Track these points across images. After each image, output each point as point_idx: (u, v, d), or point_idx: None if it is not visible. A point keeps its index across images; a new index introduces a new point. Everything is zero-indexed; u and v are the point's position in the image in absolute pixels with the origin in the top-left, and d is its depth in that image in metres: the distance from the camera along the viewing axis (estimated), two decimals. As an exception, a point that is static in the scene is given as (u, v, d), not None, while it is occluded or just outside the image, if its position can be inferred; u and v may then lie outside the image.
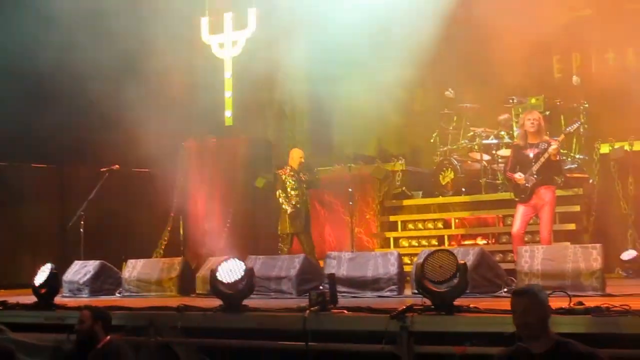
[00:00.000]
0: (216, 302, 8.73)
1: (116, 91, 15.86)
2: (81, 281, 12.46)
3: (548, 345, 5.50)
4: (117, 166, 14.05)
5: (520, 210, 11.22)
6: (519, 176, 11.14)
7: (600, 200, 13.80)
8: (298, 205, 13.59)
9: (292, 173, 13.75)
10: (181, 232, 17.18)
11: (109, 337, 7.73)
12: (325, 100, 17.34)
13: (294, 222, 13.56)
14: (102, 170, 14.07)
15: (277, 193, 13.73)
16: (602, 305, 6.65)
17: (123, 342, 7.88)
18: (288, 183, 13.65)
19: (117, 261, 13.54)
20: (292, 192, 13.61)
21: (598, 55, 16.04)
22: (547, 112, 13.80)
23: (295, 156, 13.91)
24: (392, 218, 15.09)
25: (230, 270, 8.59)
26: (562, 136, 11.58)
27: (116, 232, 16.69)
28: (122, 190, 16.10)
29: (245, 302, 8.63)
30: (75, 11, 14.71)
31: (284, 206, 13.60)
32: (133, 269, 12.49)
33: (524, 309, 5.56)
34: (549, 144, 11.05)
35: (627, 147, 13.95)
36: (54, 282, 10.14)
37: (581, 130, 13.70)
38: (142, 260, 12.77)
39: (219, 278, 8.60)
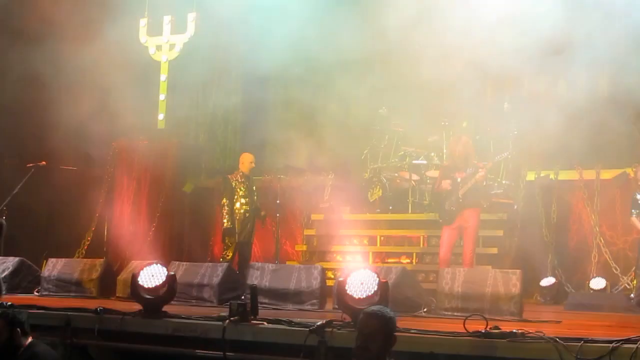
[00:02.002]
0: (136, 306, 8.66)
1: (47, 87, 15.66)
2: (-1, 277, 12.24)
3: None
4: (44, 162, 13.85)
5: (446, 234, 11.38)
6: (445, 183, 11.32)
7: (523, 226, 14.03)
8: (247, 214, 13.16)
9: (242, 179, 13.31)
10: (105, 233, 16.97)
11: (30, 339, 7.23)
12: (259, 110, 17.35)
13: (240, 233, 13.12)
14: (28, 165, 13.87)
15: (222, 201, 13.27)
16: (517, 330, 6.75)
17: (46, 347, 7.56)
18: (239, 190, 13.21)
19: (38, 259, 13.33)
20: (243, 199, 13.20)
21: (530, 83, 16.30)
22: (478, 136, 13.98)
23: (246, 161, 13.47)
24: (318, 232, 15.10)
25: (152, 275, 8.54)
26: (490, 163, 11.75)
27: (39, 230, 16.43)
28: (47, 187, 15.87)
29: (166, 308, 8.58)
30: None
31: (224, 220, 13.12)
32: (53, 267, 12.28)
33: (370, 331, 5.43)
34: (477, 169, 11.21)
35: (552, 176, 14.22)
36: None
37: (509, 157, 13.92)
38: (63, 259, 12.57)
39: (140, 282, 8.54)
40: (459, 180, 11.32)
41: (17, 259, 12.48)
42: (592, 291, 12.84)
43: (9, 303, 8.12)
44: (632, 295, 11.87)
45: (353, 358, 5.53)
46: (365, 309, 5.74)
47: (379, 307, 6.08)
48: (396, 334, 5.67)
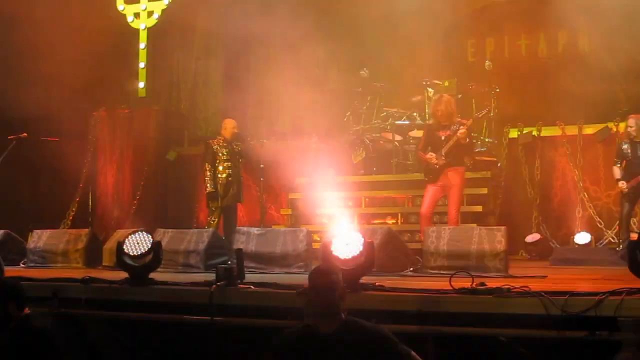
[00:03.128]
0: (122, 275, 8.65)
1: (27, 57, 15.53)
2: (-17, 251, 12.18)
3: (336, 324, 5.45)
4: (25, 134, 13.72)
5: (430, 191, 11.39)
6: (430, 155, 11.28)
7: (507, 184, 14.11)
8: (230, 178, 13.07)
9: (224, 144, 13.21)
10: (90, 203, 16.92)
11: (26, 311, 6.65)
12: (240, 75, 17.27)
13: (223, 197, 13.06)
14: (9, 137, 13.76)
15: (204, 166, 13.17)
16: (503, 286, 6.78)
17: (42, 321, 6.84)
18: (220, 154, 13.11)
19: (23, 231, 13.28)
20: (225, 164, 13.10)
21: (511, 42, 16.29)
22: (459, 95, 13.95)
23: (229, 126, 13.37)
24: (303, 195, 15.07)
25: (137, 243, 8.52)
26: (471, 120, 11.74)
27: (23, 202, 16.36)
28: (30, 159, 15.77)
29: (152, 275, 8.57)
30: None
31: (207, 185, 13.05)
32: (39, 239, 12.24)
33: (327, 287, 5.46)
34: (460, 127, 11.21)
35: (535, 133, 14.27)
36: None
37: (491, 114, 13.91)
38: (48, 230, 12.53)
39: (126, 250, 8.52)
40: (442, 137, 11.31)
41: (2, 231, 12.42)
42: (577, 246, 12.91)
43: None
44: (618, 247, 11.97)
45: (306, 317, 5.55)
46: (315, 269, 5.81)
47: (325, 265, 6.30)
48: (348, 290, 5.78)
